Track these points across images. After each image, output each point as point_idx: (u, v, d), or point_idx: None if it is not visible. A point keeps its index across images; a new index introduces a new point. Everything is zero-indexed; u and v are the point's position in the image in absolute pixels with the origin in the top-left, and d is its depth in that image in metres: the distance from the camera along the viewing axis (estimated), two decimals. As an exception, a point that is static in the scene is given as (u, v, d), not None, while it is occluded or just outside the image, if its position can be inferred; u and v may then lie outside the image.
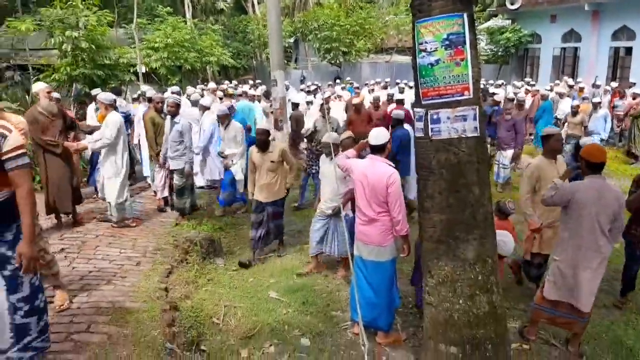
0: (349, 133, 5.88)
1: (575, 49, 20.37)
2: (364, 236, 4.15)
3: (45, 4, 12.37)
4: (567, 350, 4.21)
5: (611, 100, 13.17)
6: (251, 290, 5.30)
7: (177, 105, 6.80)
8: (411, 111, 12.85)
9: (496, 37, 23.08)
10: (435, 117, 3.25)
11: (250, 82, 17.46)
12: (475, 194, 3.27)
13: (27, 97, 9.59)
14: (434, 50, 3.19)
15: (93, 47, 11.15)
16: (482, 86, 15.36)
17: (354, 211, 4.70)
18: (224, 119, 7.42)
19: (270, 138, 6.02)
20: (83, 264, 5.18)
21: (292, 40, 26.95)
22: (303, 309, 4.89)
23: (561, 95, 12.18)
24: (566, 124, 10.75)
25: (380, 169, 3.95)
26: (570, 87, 14.15)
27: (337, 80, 19.46)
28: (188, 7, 26.02)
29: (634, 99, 11.64)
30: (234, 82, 16.77)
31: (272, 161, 5.84)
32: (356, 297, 3.67)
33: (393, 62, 24.92)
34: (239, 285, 5.43)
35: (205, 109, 8.24)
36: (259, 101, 11.41)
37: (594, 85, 16.02)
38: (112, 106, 6.25)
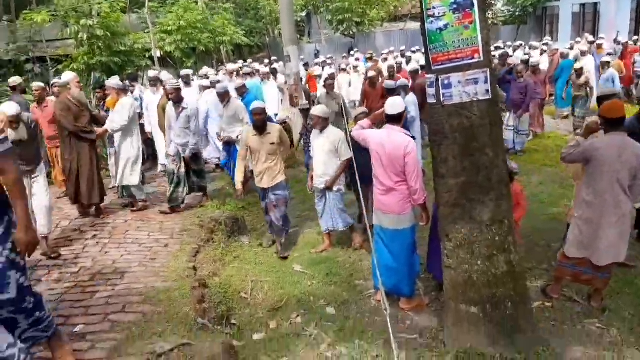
0: (363, 109, 5.88)
1: (595, 4, 19.74)
2: (383, 205, 4.21)
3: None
4: (589, 306, 4.25)
5: (624, 56, 12.77)
6: (276, 265, 5.46)
7: (178, 90, 6.44)
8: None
9: (512, -2, 22.51)
10: (446, 82, 3.27)
11: (266, 60, 17.43)
12: (490, 156, 3.29)
13: (47, 88, 9.79)
14: (442, 15, 3.18)
15: (108, 34, 11.28)
16: (500, 49, 15.19)
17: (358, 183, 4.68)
18: (224, 97, 7.23)
19: (285, 116, 6.06)
20: (115, 248, 5.39)
21: (304, 14, 26.73)
22: (327, 280, 5.02)
23: (583, 53, 11.80)
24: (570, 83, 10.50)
25: (398, 139, 3.98)
26: (591, 43, 13.74)
27: (352, 52, 19.27)
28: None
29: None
30: (249, 61, 16.72)
31: (272, 143, 5.43)
32: (375, 265, 3.74)
33: (407, 30, 24.51)
34: (264, 260, 5.59)
35: (205, 88, 8.28)
36: (271, 79, 11.39)
37: (616, 41, 15.54)
38: (123, 90, 6.43)
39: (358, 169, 4.98)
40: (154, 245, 5.49)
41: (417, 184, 3.97)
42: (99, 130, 6.26)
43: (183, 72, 9.44)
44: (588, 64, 11.11)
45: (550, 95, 12.34)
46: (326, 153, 5.32)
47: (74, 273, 4.79)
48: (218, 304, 4.37)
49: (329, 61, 14.93)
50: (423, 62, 11.51)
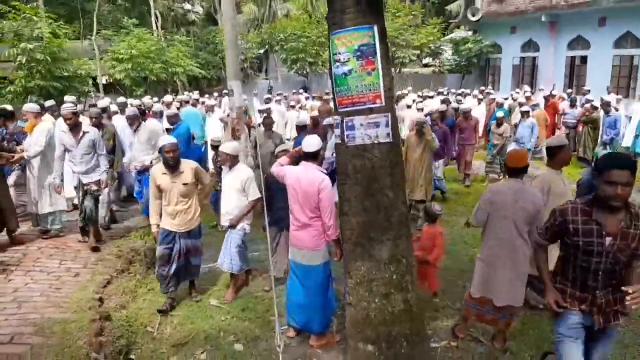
0: (284, 146, 5.76)
1: (534, 58, 21.06)
2: (298, 241, 4.25)
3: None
4: (492, 346, 4.37)
5: (547, 108, 13.49)
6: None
7: (74, 114, 5.86)
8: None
9: (459, 48, 23.68)
10: (349, 124, 3.39)
11: (215, 93, 17.51)
12: (389, 197, 3.40)
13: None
14: (347, 61, 3.32)
15: (48, 58, 11.05)
16: (444, 95, 15.91)
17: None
18: (133, 121, 6.94)
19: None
20: (20, 276, 5.14)
21: (262, 51, 27.14)
22: (242, 315, 4.94)
23: (521, 104, 12.34)
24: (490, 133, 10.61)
25: (312, 175, 4.06)
26: (527, 98, 14.51)
27: (301, 90, 19.66)
28: (157, 18, 26.02)
29: (587, 105, 12.02)
30: (196, 92, 16.74)
31: (184, 184, 4.86)
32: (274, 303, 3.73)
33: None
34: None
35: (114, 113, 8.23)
36: (215, 111, 11.45)
37: (551, 94, 16.59)
38: (41, 114, 6.31)
39: (276, 211, 5.04)
40: (64, 274, 5.28)
41: (331, 220, 4.04)
42: (14, 156, 6.05)
43: (70, 98, 9.12)
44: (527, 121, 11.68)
45: (488, 140, 12.90)
46: (234, 191, 5.18)
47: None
48: (118, 337, 4.20)
49: (277, 97, 15.13)
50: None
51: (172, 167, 4.80)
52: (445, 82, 23.61)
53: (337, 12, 3.28)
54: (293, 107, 14.30)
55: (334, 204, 4.10)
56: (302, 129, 7.87)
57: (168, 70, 20.69)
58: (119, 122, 8.01)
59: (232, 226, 5.21)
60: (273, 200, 5.05)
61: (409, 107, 13.09)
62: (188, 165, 4.94)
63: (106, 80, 18.60)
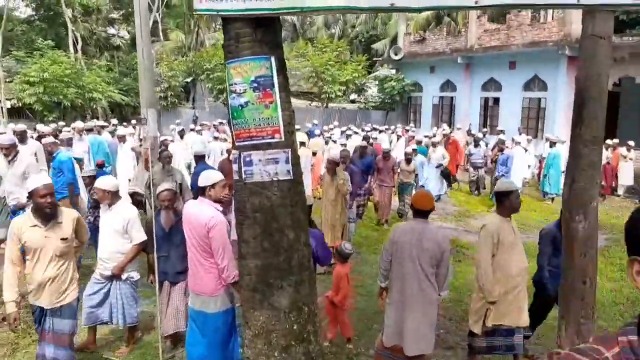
0: (166, 185, 4.88)
1: (452, 98, 22.10)
2: (194, 285, 3.90)
3: None
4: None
5: (449, 146, 14.06)
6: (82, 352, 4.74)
7: None
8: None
9: (383, 85, 24.44)
10: (247, 159, 3.14)
11: (134, 121, 16.76)
12: (290, 238, 3.17)
13: None
14: (243, 92, 3.10)
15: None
16: (366, 131, 16.16)
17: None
18: (9, 151, 6.10)
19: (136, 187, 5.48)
20: None
21: (189, 80, 26.58)
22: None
23: (434, 144, 12.73)
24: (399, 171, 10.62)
25: (203, 212, 3.75)
26: (444, 135, 15.07)
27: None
28: (77, 41, 24.84)
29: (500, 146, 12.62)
30: (114, 120, 15.93)
31: (63, 239, 3.77)
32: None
33: (286, 105, 25.28)
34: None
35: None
36: (127, 141, 10.88)
37: (469, 132, 17.35)
38: None
39: (160, 262, 4.48)
40: None
41: (225, 261, 3.71)
42: None
43: (18, 127, 8.46)
44: (438, 154, 12.10)
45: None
46: (114, 233, 4.54)
47: None
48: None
49: (197, 127, 14.68)
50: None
51: (48, 216, 3.71)
52: (370, 118, 24.18)
53: (233, 39, 3.07)
54: (216, 138, 13.93)
55: (228, 244, 3.78)
56: (200, 159, 7.53)
57: (85, 95, 19.63)
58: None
59: (116, 276, 4.57)
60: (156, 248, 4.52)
61: (334, 142, 13.17)
62: (68, 215, 3.90)
63: (13, 104, 17.26)
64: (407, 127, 17.72)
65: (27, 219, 3.74)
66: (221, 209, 3.85)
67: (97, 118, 19.68)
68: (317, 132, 14.79)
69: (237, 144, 3.20)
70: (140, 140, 9.69)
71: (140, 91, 9.45)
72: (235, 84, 3.11)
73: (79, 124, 11.04)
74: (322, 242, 4.74)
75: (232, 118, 3.18)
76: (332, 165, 7.31)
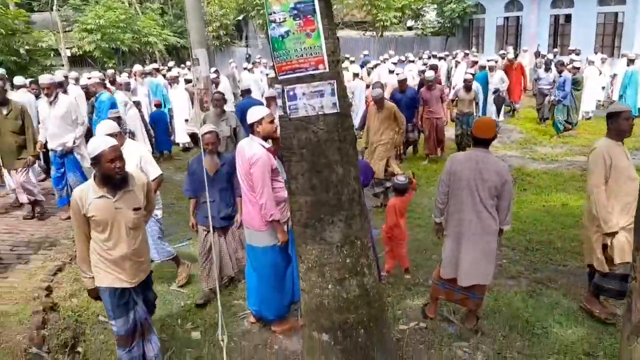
0: (209, 127, 4.85)
1: (518, 18, 20.54)
2: (244, 219, 4.01)
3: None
4: (463, 327, 4.15)
5: (515, 69, 12.94)
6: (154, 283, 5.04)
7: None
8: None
9: (442, 9, 23.03)
10: (291, 93, 3.03)
11: (189, 62, 16.87)
12: (339, 173, 3.08)
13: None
14: (283, 21, 2.93)
15: (2, 31, 10.42)
16: (426, 57, 15.42)
17: None
18: (50, 91, 6.01)
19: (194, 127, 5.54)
20: (-33, 264, 4.82)
21: (240, 17, 26.23)
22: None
23: (491, 68, 11.88)
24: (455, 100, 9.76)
25: (248, 151, 3.76)
26: (502, 57, 14.09)
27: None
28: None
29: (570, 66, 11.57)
30: (172, 63, 16.12)
31: (135, 209, 3.23)
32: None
33: (340, 37, 24.49)
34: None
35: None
36: (180, 83, 11.00)
37: (537, 54, 16.14)
38: None
39: (202, 207, 4.42)
40: (14, 261, 4.98)
41: (263, 198, 3.72)
42: None
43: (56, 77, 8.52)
44: (496, 78, 11.38)
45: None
46: None
47: None
48: (64, 329, 3.92)
49: (249, 66, 14.57)
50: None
51: (118, 184, 3.16)
52: (429, 45, 23.04)
53: (271, -36, 2.88)
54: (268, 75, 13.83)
55: (268, 182, 3.75)
56: (246, 93, 7.42)
57: (140, 40, 19.90)
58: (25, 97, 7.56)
59: None
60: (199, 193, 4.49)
61: (391, 72, 12.71)
62: (139, 180, 3.33)
63: (74, 53, 17.81)
64: (468, 52, 16.71)
65: (90, 189, 3.14)
66: (267, 145, 3.82)
67: (155, 61, 20.02)
68: (372, 63, 14.27)
69: (279, 77, 3.07)
70: (188, 81, 9.79)
71: (189, 31, 9.42)
72: (274, 12, 2.94)
73: (137, 67, 11.24)
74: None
75: (273, 50, 3.04)
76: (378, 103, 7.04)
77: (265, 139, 3.88)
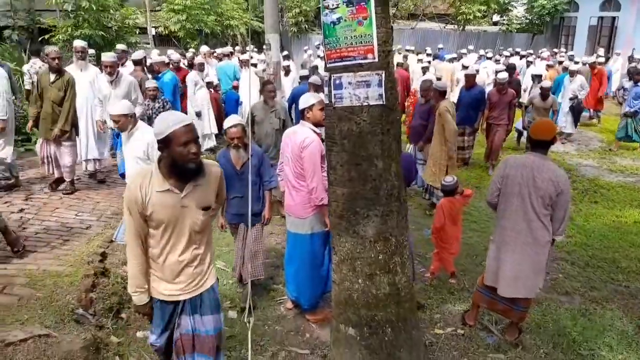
0: (234, 119, 4.26)
1: (614, 18, 19.04)
2: (287, 205, 4.04)
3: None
4: (503, 339, 3.95)
5: (594, 76, 11.73)
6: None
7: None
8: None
9: (531, 4, 21.82)
10: (337, 82, 2.97)
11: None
12: (379, 167, 3.00)
13: (24, 56, 9.71)
14: (336, 7, 2.88)
15: (94, 7, 11.10)
16: (507, 54, 14.69)
17: None
18: (112, 69, 6.15)
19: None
20: (36, 225, 5.22)
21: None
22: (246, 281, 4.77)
23: (572, 72, 10.82)
24: (530, 107, 8.85)
25: (298, 136, 3.80)
26: (590, 64, 12.91)
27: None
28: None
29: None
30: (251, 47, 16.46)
31: (205, 207, 2.65)
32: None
33: (418, 29, 23.97)
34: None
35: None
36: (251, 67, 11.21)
37: (631, 59, 14.90)
38: None
39: (232, 203, 4.16)
40: (76, 226, 5.32)
41: (314, 182, 3.72)
42: None
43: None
44: (575, 84, 10.45)
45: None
46: (136, 160, 4.45)
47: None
48: (111, 295, 4.14)
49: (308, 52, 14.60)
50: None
51: (191, 174, 2.54)
52: (513, 41, 21.94)
53: (326, -51, 2.83)
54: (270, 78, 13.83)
55: (319, 166, 3.74)
56: (305, 79, 7.37)
57: (223, 23, 20.50)
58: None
59: None
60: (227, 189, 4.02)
61: (465, 67, 12.29)
62: (213, 172, 2.71)
63: (160, 32, 18.64)
64: (556, 51, 15.72)
65: (154, 178, 2.50)
66: (319, 131, 3.80)
67: (237, 44, 20.56)
68: (447, 56, 13.80)
69: (327, 65, 3.03)
70: (254, 65, 9.92)
71: (265, 16, 9.59)
72: (328, -2, 2.90)
73: (205, 48, 11.52)
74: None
75: (324, 37, 3.00)
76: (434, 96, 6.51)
77: (315, 125, 3.87)
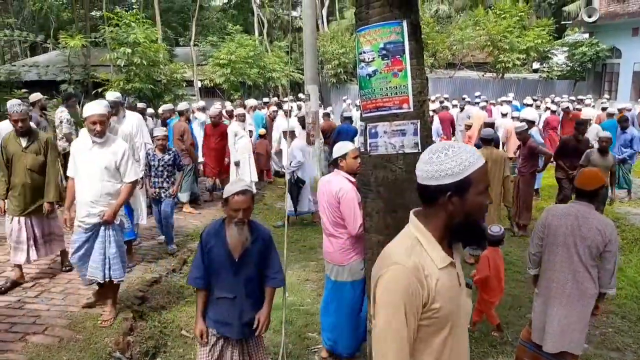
0: (241, 185, 4.47)
1: (660, 64, 18.62)
2: (326, 253, 4.01)
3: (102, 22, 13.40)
4: (549, 397, 3.71)
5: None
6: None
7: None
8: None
9: (573, 52, 21.68)
10: (373, 131, 3.03)
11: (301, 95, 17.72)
12: (415, 215, 2.99)
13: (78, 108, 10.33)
14: (372, 61, 2.98)
15: (144, 62, 11.79)
16: (553, 101, 14.50)
17: None
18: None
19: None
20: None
21: (359, 56, 27.05)
22: (280, 328, 4.72)
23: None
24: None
25: (335, 183, 3.81)
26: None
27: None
28: (263, 24, 27.07)
29: None
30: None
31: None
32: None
33: (456, 78, 24.13)
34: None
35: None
36: (278, 115, 11.64)
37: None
38: None
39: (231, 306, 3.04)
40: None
41: (358, 222, 3.64)
42: None
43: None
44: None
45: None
46: (102, 171, 4.07)
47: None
48: (148, 338, 4.18)
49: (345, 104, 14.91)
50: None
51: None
52: (555, 88, 21.72)
53: (363, 6, 2.96)
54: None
55: (358, 209, 3.69)
56: (347, 120, 7.59)
57: (265, 75, 21.29)
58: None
59: (107, 222, 4.09)
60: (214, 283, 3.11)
61: (504, 115, 12.24)
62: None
63: (206, 84, 19.52)
64: (601, 100, 15.40)
65: (425, 249, 1.70)
66: (353, 179, 3.83)
67: (278, 96, 21.27)
68: (482, 104, 13.87)
69: (363, 115, 3.11)
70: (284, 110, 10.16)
71: (305, 69, 9.95)
72: (364, 52, 3.00)
73: (252, 102, 11.97)
74: None
75: (360, 89, 3.09)
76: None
77: (349, 173, 3.91)
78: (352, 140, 7.70)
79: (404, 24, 2.89)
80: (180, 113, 8.50)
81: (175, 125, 8.31)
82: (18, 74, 14.00)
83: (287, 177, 7.10)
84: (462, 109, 13.31)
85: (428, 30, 24.24)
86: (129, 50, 11.43)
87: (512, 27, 21.96)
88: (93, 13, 24.09)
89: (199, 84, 18.32)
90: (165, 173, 6.24)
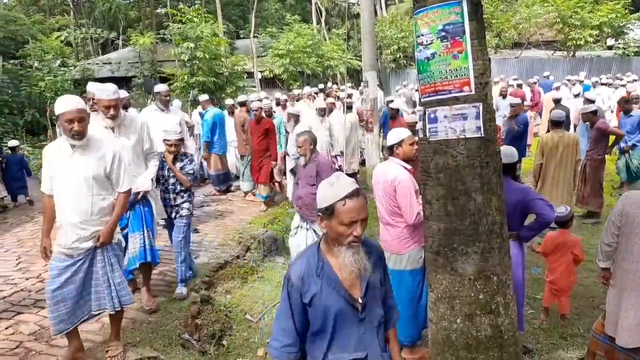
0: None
1: None
2: (383, 242, 3.97)
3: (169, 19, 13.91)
4: (625, 393, 3.51)
5: None
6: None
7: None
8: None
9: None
10: (432, 115, 2.96)
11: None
12: (477, 201, 2.89)
13: (146, 100, 10.84)
14: (430, 43, 2.89)
15: (207, 56, 12.14)
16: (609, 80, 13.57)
17: None
18: (114, 110, 4.06)
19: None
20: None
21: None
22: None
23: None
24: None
25: (390, 172, 3.76)
26: None
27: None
28: (321, 13, 27.09)
29: None
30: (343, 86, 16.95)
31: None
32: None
33: (524, 57, 23.00)
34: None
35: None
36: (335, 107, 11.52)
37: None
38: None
39: None
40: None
41: (415, 210, 3.64)
42: None
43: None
44: None
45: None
46: (89, 182, 3.33)
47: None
48: (214, 322, 4.34)
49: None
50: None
51: None
52: (631, 66, 20.22)
53: (420, -13, 2.88)
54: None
55: (414, 197, 3.66)
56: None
57: (323, 64, 21.32)
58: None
59: (104, 243, 3.38)
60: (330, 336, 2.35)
61: (576, 96, 11.60)
62: None
63: (265, 75, 19.83)
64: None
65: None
66: (409, 167, 3.77)
67: (336, 84, 21.25)
68: (556, 85, 13.05)
69: (422, 99, 3.04)
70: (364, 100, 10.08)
71: (363, 55, 9.83)
72: (422, 35, 2.91)
73: (295, 91, 12.00)
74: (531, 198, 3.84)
75: (418, 73, 3.02)
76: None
77: (405, 160, 3.84)
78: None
79: (464, 3, 2.78)
80: (242, 104, 8.70)
81: (236, 115, 8.56)
82: (92, 71, 14.93)
83: (290, 165, 7.31)
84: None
85: (492, 9, 23.24)
86: (192, 45, 11.81)
87: (584, 2, 20.63)
88: (158, 10, 25.07)
89: (259, 75, 18.60)
90: (178, 187, 4.80)
